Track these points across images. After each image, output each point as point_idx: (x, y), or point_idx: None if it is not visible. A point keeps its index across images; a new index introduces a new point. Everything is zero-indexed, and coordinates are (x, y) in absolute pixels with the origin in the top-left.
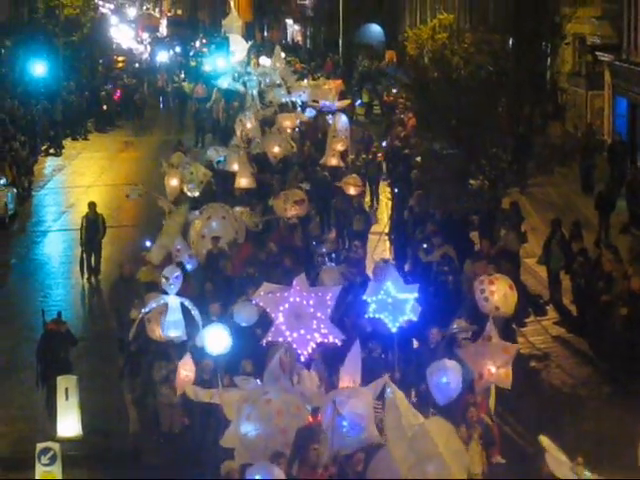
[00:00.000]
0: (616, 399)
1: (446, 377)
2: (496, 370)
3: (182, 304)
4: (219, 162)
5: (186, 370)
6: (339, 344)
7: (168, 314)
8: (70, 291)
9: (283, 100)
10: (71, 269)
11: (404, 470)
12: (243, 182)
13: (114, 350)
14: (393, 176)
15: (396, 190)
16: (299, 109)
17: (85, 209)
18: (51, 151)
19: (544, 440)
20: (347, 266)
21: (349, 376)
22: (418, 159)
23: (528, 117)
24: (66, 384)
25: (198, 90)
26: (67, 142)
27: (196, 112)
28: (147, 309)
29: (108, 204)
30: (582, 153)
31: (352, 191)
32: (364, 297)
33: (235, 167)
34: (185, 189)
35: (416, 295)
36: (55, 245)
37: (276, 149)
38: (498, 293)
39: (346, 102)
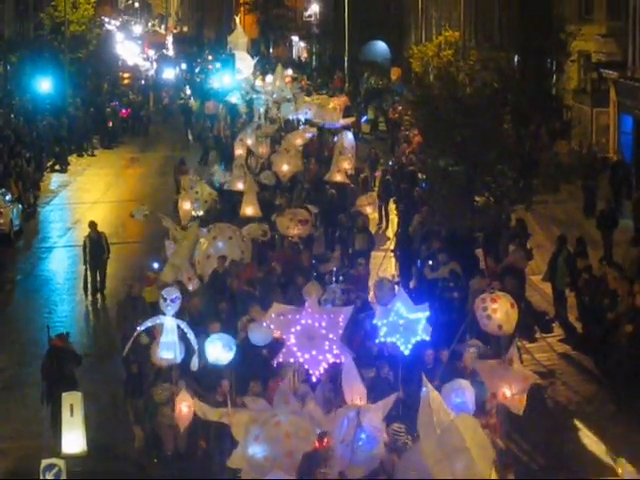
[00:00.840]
0: (621, 416)
1: (461, 397)
2: (511, 395)
3: (179, 326)
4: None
5: (185, 405)
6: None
7: (163, 335)
8: (75, 307)
9: (290, 117)
10: (76, 285)
11: (431, 464)
12: (249, 211)
13: (119, 367)
14: (398, 193)
15: (401, 207)
16: (302, 127)
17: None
18: (57, 167)
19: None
20: (347, 284)
21: (352, 393)
22: (423, 176)
23: (534, 134)
24: (71, 400)
25: (209, 107)
26: (73, 158)
27: (202, 130)
28: (142, 327)
29: (113, 220)
30: (584, 174)
31: (369, 210)
32: (374, 321)
33: (239, 186)
34: (190, 208)
35: (427, 314)
36: (60, 261)
37: (285, 167)
38: (500, 311)
39: (349, 120)
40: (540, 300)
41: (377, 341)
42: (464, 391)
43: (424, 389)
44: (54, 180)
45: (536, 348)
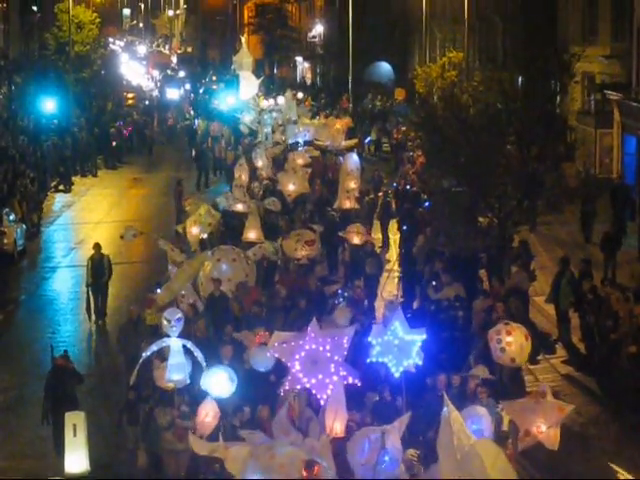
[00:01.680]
0: (625, 437)
1: (478, 424)
2: (546, 429)
3: (185, 346)
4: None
5: (208, 415)
6: (359, 385)
7: (170, 357)
8: (79, 327)
9: (297, 139)
10: (80, 305)
11: None
12: (252, 235)
13: (122, 387)
14: (402, 214)
15: (405, 228)
16: (301, 148)
17: (94, 243)
18: (60, 187)
19: None
20: (347, 306)
21: (334, 418)
22: (426, 196)
23: (537, 155)
24: (74, 420)
25: (214, 127)
26: (76, 178)
27: (201, 151)
28: (148, 352)
29: (116, 240)
30: (582, 199)
31: (356, 240)
32: (369, 339)
33: (239, 208)
34: (199, 232)
35: (424, 337)
36: (64, 281)
37: (291, 187)
38: (515, 344)
39: (352, 142)
40: (543, 321)
41: (368, 360)
42: (481, 418)
43: (445, 409)
44: (58, 200)
45: (540, 369)
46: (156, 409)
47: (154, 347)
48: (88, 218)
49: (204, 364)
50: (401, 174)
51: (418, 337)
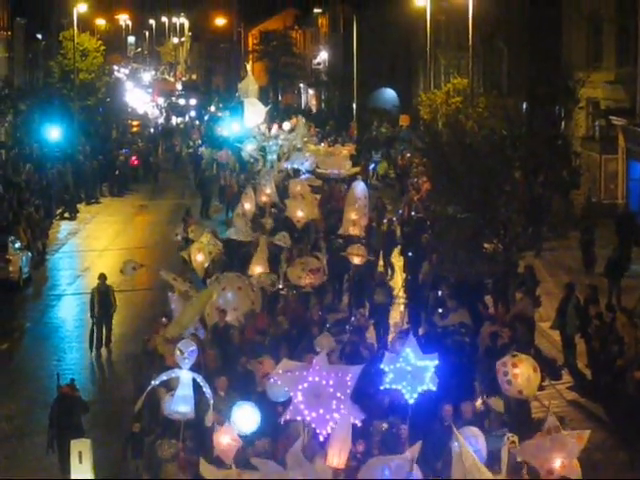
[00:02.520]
0: (631, 463)
1: (474, 445)
2: (569, 462)
3: (194, 380)
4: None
5: (229, 439)
6: (359, 424)
7: (179, 389)
8: (84, 355)
9: (286, 166)
10: (85, 333)
11: None
12: (258, 270)
13: (128, 415)
14: (407, 240)
15: (410, 254)
16: (303, 176)
17: (99, 273)
18: (66, 215)
19: None
20: (351, 334)
21: (338, 453)
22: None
23: (542, 181)
24: (80, 448)
25: (222, 155)
26: (82, 206)
27: (202, 179)
28: (157, 381)
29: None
30: (581, 228)
31: (356, 261)
32: (382, 366)
33: (240, 236)
34: (204, 260)
35: (436, 362)
36: (69, 309)
37: (300, 213)
38: (522, 376)
39: (355, 170)
40: (549, 347)
41: (382, 387)
42: (476, 439)
43: (455, 444)
44: (63, 228)
45: (545, 395)
46: (161, 440)
47: (163, 376)
48: (93, 246)
49: (211, 401)
50: (406, 201)
51: (431, 363)
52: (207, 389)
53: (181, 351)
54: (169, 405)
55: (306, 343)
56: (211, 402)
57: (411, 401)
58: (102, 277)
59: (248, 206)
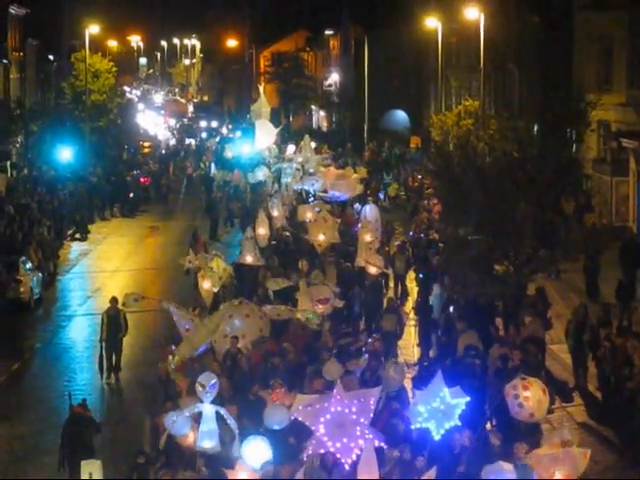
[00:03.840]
0: None
1: None
2: (572, 477)
3: (217, 413)
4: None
5: (246, 475)
6: (385, 448)
7: (202, 424)
8: (94, 376)
9: (305, 188)
10: (96, 354)
11: None
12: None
13: (138, 435)
14: (418, 262)
15: (421, 276)
16: (311, 200)
17: (110, 293)
18: (77, 236)
19: None
20: (369, 360)
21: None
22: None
23: (553, 204)
24: (90, 469)
25: (235, 177)
26: (93, 227)
27: (211, 201)
28: (180, 417)
29: (133, 289)
30: (586, 255)
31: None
32: (417, 406)
33: (248, 260)
34: (211, 287)
35: (468, 399)
36: (80, 330)
37: (321, 237)
38: (533, 399)
39: (357, 192)
40: (560, 369)
41: (412, 427)
42: (508, 474)
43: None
44: (74, 248)
45: (556, 417)
46: (177, 470)
47: (187, 413)
48: (104, 266)
49: (236, 432)
50: (417, 222)
51: (463, 400)
52: (231, 421)
53: (202, 385)
54: (196, 441)
55: (314, 369)
56: (236, 432)
57: (437, 437)
58: (113, 300)
59: (262, 231)
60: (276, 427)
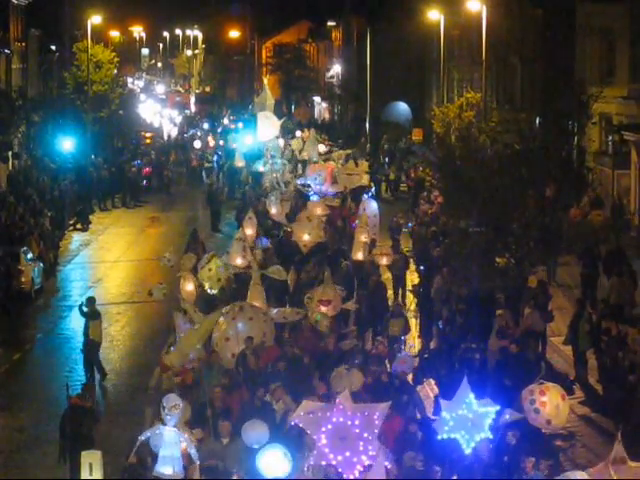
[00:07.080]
0: None
1: None
2: None
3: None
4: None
5: None
6: (389, 467)
7: (162, 448)
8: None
9: (307, 182)
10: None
11: None
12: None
13: (139, 425)
14: (418, 254)
15: (422, 268)
16: (313, 196)
17: (110, 284)
18: (78, 226)
19: None
20: (371, 364)
21: None
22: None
23: (555, 196)
24: (90, 459)
25: (237, 161)
26: (94, 217)
27: (211, 192)
28: (143, 437)
29: (133, 280)
30: (584, 261)
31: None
32: (443, 414)
33: (237, 261)
34: (205, 287)
35: (498, 408)
36: (81, 320)
37: (306, 237)
38: (550, 404)
39: (340, 187)
40: (561, 362)
41: (439, 437)
42: None
43: None
44: (75, 239)
45: None
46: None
47: (148, 433)
48: (105, 257)
49: (197, 462)
50: (418, 214)
51: (492, 409)
52: (193, 450)
53: (163, 407)
54: (155, 466)
55: (320, 374)
56: (197, 463)
57: (468, 451)
58: (90, 299)
59: (250, 232)
60: (255, 445)
